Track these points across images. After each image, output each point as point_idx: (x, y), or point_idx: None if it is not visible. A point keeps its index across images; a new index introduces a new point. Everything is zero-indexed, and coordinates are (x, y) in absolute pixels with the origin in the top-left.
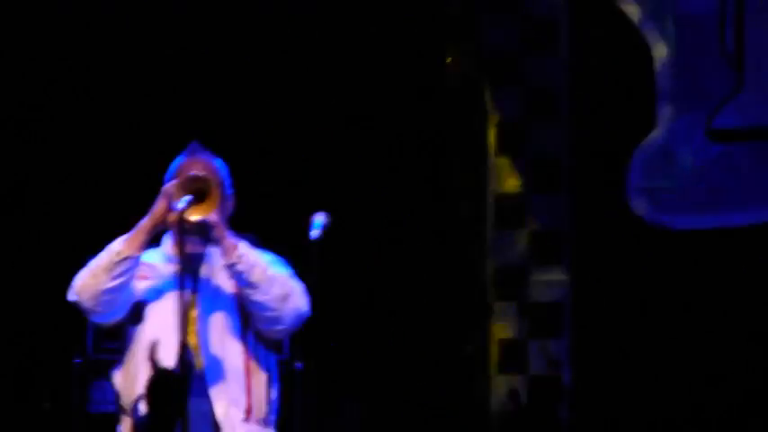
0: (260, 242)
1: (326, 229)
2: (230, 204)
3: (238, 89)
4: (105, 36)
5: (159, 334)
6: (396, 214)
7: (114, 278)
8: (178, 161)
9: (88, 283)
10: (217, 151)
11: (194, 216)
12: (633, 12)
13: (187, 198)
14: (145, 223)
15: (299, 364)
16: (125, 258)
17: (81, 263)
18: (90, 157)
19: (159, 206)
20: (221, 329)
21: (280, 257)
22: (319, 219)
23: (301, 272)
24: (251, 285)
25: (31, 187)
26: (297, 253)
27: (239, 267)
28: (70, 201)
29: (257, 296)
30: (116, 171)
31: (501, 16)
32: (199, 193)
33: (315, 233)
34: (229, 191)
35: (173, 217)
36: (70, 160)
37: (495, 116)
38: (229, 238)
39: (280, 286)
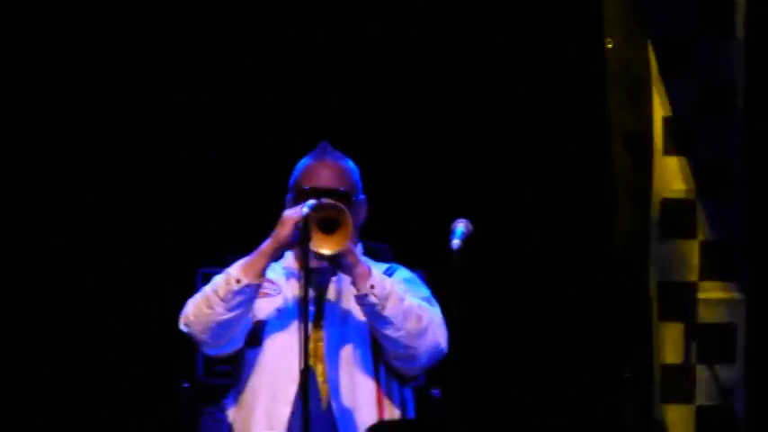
0: (394, 254)
1: (468, 238)
2: (362, 212)
3: (372, 85)
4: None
5: (281, 358)
6: (546, 221)
7: (232, 309)
8: (304, 163)
9: (202, 313)
10: (347, 151)
11: (323, 250)
12: None
13: (311, 203)
14: (266, 247)
15: (436, 392)
16: (245, 286)
17: (187, 276)
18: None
19: (284, 229)
20: (351, 359)
21: (416, 273)
22: (460, 226)
23: (440, 286)
24: (382, 319)
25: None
26: (435, 264)
27: (371, 299)
28: (179, 212)
29: (389, 331)
30: (238, 172)
31: None
32: (329, 223)
33: (456, 243)
34: (361, 196)
35: (288, 232)
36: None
37: (662, 111)
38: (362, 265)
39: (415, 321)
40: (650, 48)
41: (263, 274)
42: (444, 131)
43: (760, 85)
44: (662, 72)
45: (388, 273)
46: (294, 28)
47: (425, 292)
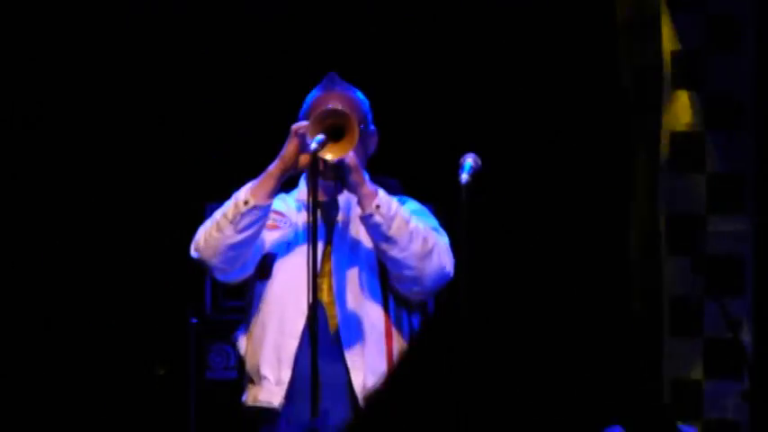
0: (404, 188)
1: (477, 173)
2: (372, 143)
3: (382, 17)
4: None
5: (289, 291)
6: (556, 155)
7: (241, 231)
8: (313, 94)
9: (212, 237)
10: (357, 84)
11: (329, 155)
12: None
13: (320, 138)
14: (274, 167)
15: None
16: (253, 208)
17: (195, 210)
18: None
19: (290, 147)
20: (357, 287)
21: (425, 206)
22: (469, 161)
23: (449, 220)
24: (388, 240)
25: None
26: (444, 199)
27: (376, 219)
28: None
29: (394, 252)
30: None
31: None
32: (336, 130)
33: (464, 177)
34: (371, 127)
35: (305, 159)
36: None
37: (671, 45)
38: (368, 185)
39: (421, 242)
40: None
41: (271, 195)
42: (455, 67)
43: None
44: (670, 6)
45: (401, 203)
46: None
47: (434, 221)
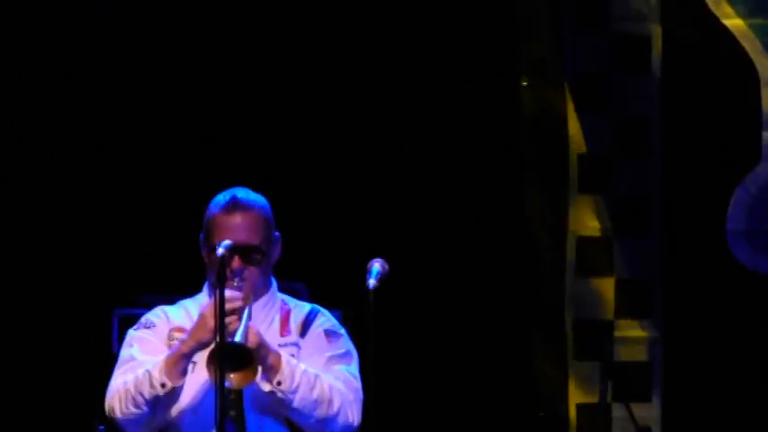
0: (309, 293)
1: (384, 278)
2: (276, 251)
3: (281, 120)
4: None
5: (194, 412)
6: (463, 260)
7: (158, 409)
8: (215, 216)
9: (131, 412)
10: (263, 190)
11: (235, 383)
12: (737, 26)
13: (226, 243)
14: (185, 347)
15: None
16: (170, 390)
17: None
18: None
19: (203, 331)
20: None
21: (333, 314)
22: (376, 266)
23: (356, 325)
24: (291, 411)
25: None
26: (352, 304)
27: (278, 395)
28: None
29: (298, 419)
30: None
31: (587, 34)
32: (240, 359)
33: (371, 282)
34: (275, 234)
35: (207, 335)
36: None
37: (577, 148)
38: (270, 357)
39: (326, 407)
40: (565, 85)
41: (185, 372)
42: (359, 169)
43: (676, 122)
44: (577, 109)
45: (311, 317)
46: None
47: (350, 366)
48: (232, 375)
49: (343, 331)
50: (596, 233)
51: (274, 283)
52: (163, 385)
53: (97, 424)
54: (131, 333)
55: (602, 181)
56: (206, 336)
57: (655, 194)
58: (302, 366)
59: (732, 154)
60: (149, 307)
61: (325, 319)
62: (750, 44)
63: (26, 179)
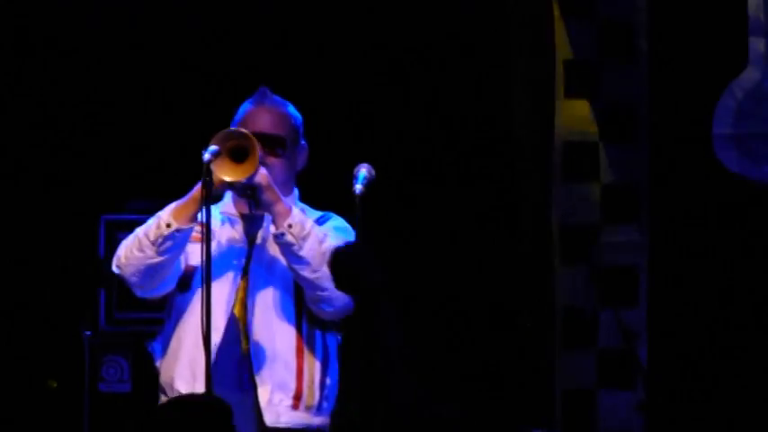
0: (300, 197)
1: (371, 183)
2: (301, 159)
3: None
4: None
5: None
6: (449, 164)
7: (162, 253)
8: (245, 109)
9: (133, 255)
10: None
11: (229, 177)
12: None
13: (213, 149)
14: (197, 192)
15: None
16: (175, 231)
17: (90, 222)
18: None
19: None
20: (271, 305)
21: (348, 227)
22: (363, 171)
23: None
24: (299, 260)
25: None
26: (338, 208)
27: (287, 238)
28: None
29: (306, 272)
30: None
31: None
32: (238, 151)
33: (358, 187)
34: (302, 142)
35: (219, 178)
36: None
37: (563, 54)
38: (282, 203)
39: None
40: None
41: (194, 218)
42: (350, 71)
43: (662, 27)
44: (563, 14)
45: (322, 220)
46: None
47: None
48: (232, 167)
49: (352, 232)
50: (583, 138)
51: (296, 191)
52: (168, 225)
53: (83, 330)
54: None
55: (589, 86)
56: (219, 181)
57: (641, 100)
58: (311, 221)
59: (718, 59)
60: (138, 213)
61: (338, 221)
62: None
63: (17, 84)
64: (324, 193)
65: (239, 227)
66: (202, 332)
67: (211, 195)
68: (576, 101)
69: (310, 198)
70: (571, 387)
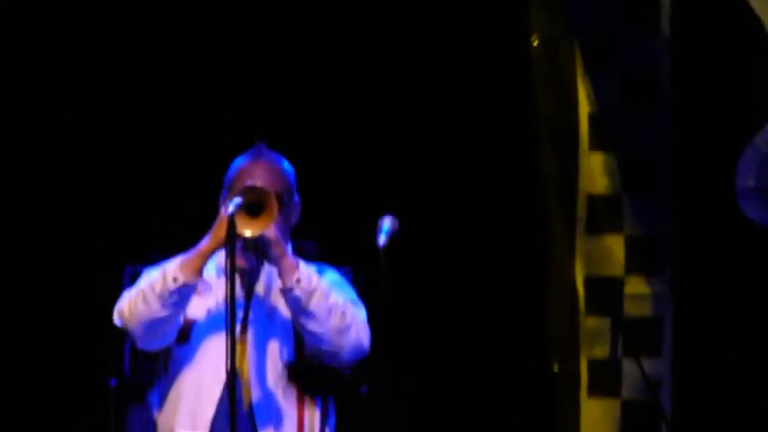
0: (320, 251)
1: (394, 235)
2: (295, 214)
3: (297, 80)
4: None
5: (207, 357)
6: (474, 218)
7: (168, 307)
8: (240, 162)
9: (137, 309)
10: (275, 147)
11: (248, 231)
12: None
13: (237, 201)
14: (206, 246)
15: (363, 389)
16: (182, 286)
17: (115, 272)
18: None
19: (222, 229)
20: (273, 357)
21: (343, 270)
22: (386, 223)
23: (367, 282)
24: (307, 314)
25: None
26: (361, 261)
27: (296, 293)
28: (113, 207)
29: (312, 327)
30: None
31: None
32: (255, 206)
33: (382, 239)
34: (295, 198)
35: (223, 228)
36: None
37: (587, 107)
38: (289, 258)
39: (339, 317)
40: (575, 44)
41: (200, 272)
42: (371, 126)
43: (686, 80)
44: (587, 68)
45: (319, 273)
46: (227, 24)
47: (352, 294)
48: (248, 221)
49: (348, 285)
50: (606, 191)
51: (289, 246)
52: (175, 279)
53: (109, 379)
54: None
55: (612, 139)
56: (225, 232)
57: (664, 152)
58: (317, 275)
59: (742, 112)
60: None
61: (333, 273)
62: (759, 3)
63: (42, 133)
64: (344, 245)
65: (236, 280)
66: (226, 371)
67: (220, 247)
68: (598, 153)
69: (328, 250)
70: None
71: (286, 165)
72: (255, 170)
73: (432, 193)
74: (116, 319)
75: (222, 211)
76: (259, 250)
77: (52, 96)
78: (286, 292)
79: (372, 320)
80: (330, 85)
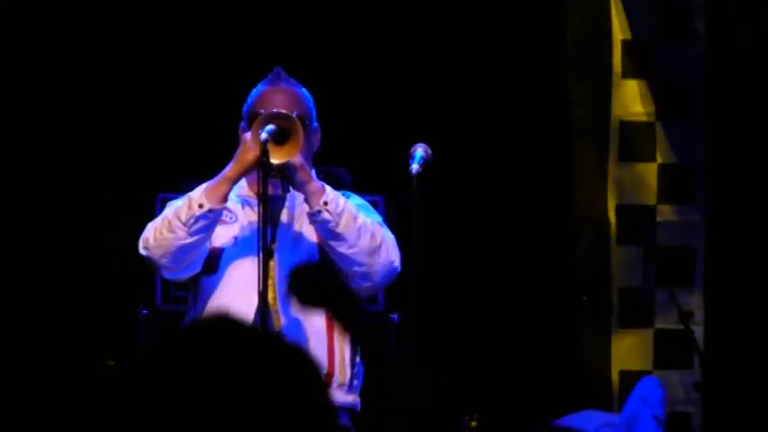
0: (351, 179)
1: (427, 163)
2: (316, 140)
3: (327, 9)
4: None
5: (235, 287)
6: (506, 148)
7: (193, 234)
8: (258, 89)
9: (163, 237)
10: (302, 78)
11: (275, 159)
12: None
13: (270, 128)
14: (231, 171)
15: (394, 316)
16: (207, 212)
17: (146, 201)
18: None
19: (247, 153)
20: None
21: (376, 199)
22: (419, 151)
23: (399, 211)
24: (336, 236)
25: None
26: (394, 190)
27: (324, 216)
28: (142, 135)
29: (343, 249)
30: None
31: None
32: (280, 134)
33: (414, 167)
34: (315, 124)
35: (252, 156)
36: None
37: (621, 34)
38: (314, 182)
39: (369, 238)
40: None
41: (225, 199)
42: (403, 53)
43: (720, 7)
44: None
45: (345, 197)
46: None
47: (378, 217)
48: (274, 149)
49: (372, 209)
50: (640, 118)
51: (313, 172)
52: (201, 206)
53: (141, 309)
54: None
55: (647, 66)
56: (251, 157)
57: (698, 79)
58: (343, 197)
59: None
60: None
61: (358, 198)
62: None
63: (72, 66)
64: (377, 173)
65: (259, 208)
66: (259, 295)
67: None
68: (632, 80)
69: (363, 178)
70: (628, 367)
71: (304, 90)
72: (274, 96)
73: (463, 122)
74: (141, 250)
75: (246, 137)
76: (285, 177)
77: (82, 32)
78: (314, 215)
79: (404, 249)
80: (364, 13)
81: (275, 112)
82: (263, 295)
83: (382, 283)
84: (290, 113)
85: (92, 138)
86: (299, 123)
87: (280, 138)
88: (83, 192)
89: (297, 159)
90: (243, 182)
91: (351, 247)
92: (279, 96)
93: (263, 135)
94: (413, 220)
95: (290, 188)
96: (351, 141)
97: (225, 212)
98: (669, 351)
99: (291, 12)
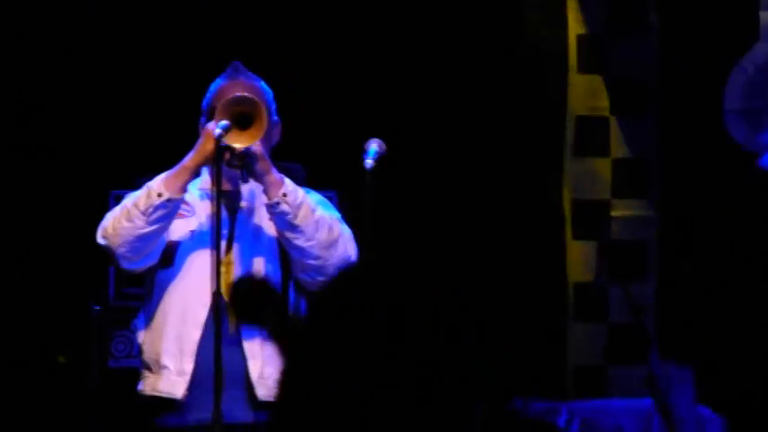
0: (307, 174)
1: (381, 158)
2: (275, 134)
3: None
4: None
5: (192, 280)
6: (463, 140)
7: (152, 223)
8: (218, 84)
9: (121, 226)
10: (260, 73)
11: (237, 144)
12: None
13: (224, 123)
14: (190, 161)
15: None
16: (166, 201)
17: (99, 197)
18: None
19: (208, 143)
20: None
21: (329, 194)
22: (373, 146)
23: (353, 207)
24: (294, 228)
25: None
26: (348, 185)
27: (282, 207)
28: (98, 134)
29: (300, 241)
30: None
31: None
32: (243, 118)
33: (369, 162)
34: (274, 118)
35: (212, 146)
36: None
37: (576, 29)
38: (274, 174)
39: (326, 231)
40: None
41: (184, 189)
42: (357, 48)
43: (672, 1)
44: None
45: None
46: None
47: (336, 213)
48: (237, 134)
49: (331, 205)
50: (595, 113)
51: (272, 165)
52: (159, 195)
53: (93, 305)
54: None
55: (601, 61)
56: (211, 148)
57: (652, 74)
58: (302, 190)
59: (729, 33)
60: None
61: (316, 195)
62: None
63: (25, 60)
64: (331, 168)
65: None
66: (212, 292)
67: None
68: (588, 75)
69: (317, 173)
70: (581, 361)
71: (263, 84)
72: (234, 89)
73: (419, 116)
74: (99, 239)
75: (208, 126)
76: (245, 167)
77: (35, 27)
78: (272, 206)
79: (358, 244)
80: (320, 8)
81: (239, 96)
82: (216, 295)
83: (334, 275)
84: (253, 97)
85: (45, 133)
86: (262, 107)
87: (243, 122)
88: (36, 188)
89: (258, 149)
90: (205, 175)
91: (308, 239)
92: (238, 90)
93: (218, 131)
94: (366, 215)
95: (250, 180)
96: (304, 137)
97: (183, 206)
98: (623, 345)
99: (247, 6)
